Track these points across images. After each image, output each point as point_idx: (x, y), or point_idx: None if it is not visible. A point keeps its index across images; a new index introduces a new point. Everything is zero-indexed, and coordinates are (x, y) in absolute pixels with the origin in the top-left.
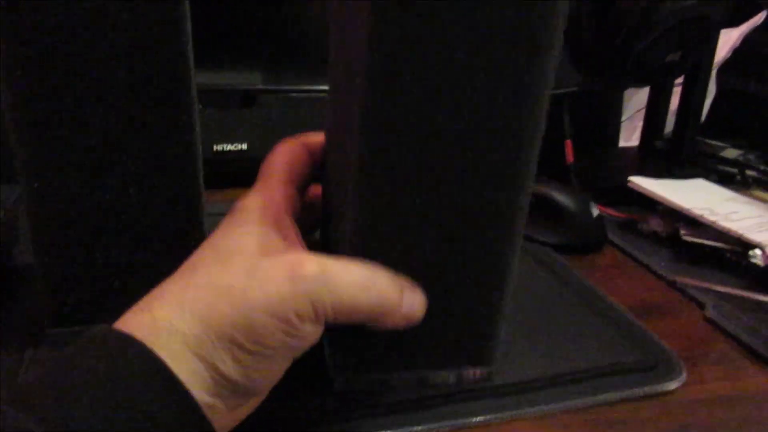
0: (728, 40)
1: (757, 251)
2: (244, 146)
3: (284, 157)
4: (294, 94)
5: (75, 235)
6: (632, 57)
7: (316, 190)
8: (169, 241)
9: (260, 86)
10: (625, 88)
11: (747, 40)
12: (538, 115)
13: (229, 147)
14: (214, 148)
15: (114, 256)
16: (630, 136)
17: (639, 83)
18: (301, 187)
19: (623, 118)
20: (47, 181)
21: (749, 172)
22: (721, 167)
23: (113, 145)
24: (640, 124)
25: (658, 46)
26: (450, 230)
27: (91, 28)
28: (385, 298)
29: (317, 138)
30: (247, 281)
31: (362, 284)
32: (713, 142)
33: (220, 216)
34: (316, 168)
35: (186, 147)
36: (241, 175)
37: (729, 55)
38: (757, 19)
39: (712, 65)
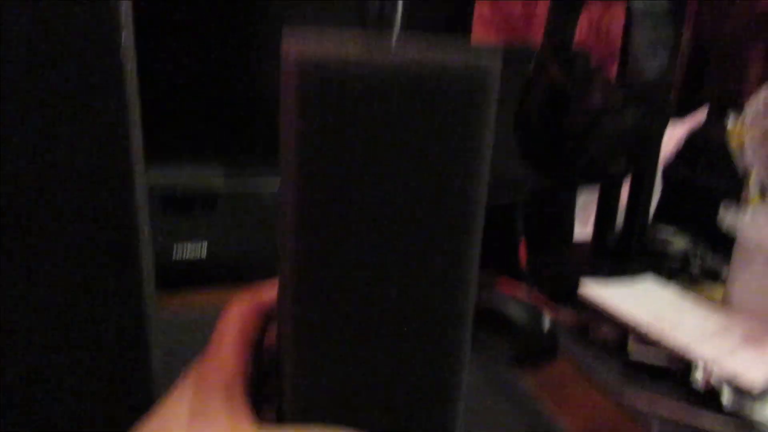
0: (673, 136)
1: (698, 375)
2: (205, 248)
3: (235, 322)
4: (256, 196)
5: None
6: (581, 163)
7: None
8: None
9: (222, 185)
10: (576, 189)
11: (693, 134)
12: (471, 254)
13: (190, 250)
14: (174, 251)
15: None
16: (586, 221)
17: (588, 185)
18: (254, 350)
19: (579, 201)
20: None
21: (695, 264)
22: (670, 258)
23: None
24: (593, 213)
25: (604, 155)
26: (395, 352)
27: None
28: None
29: (271, 291)
30: None
31: None
32: (663, 231)
33: (178, 327)
34: (271, 319)
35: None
36: (202, 277)
37: (673, 153)
38: (700, 116)
39: (656, 168)
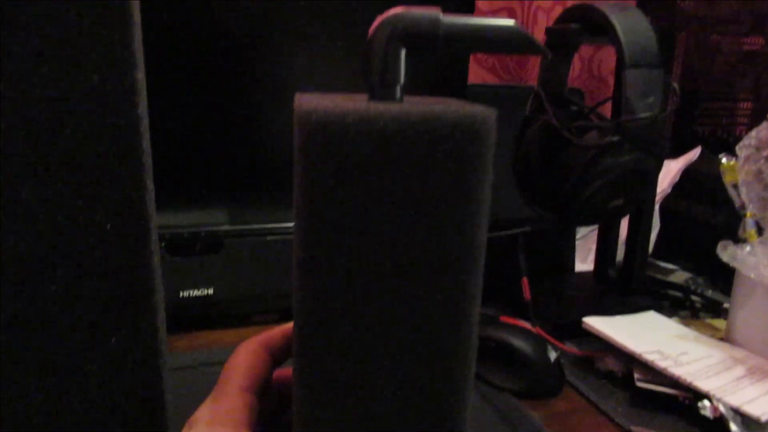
0: (668, 173)
1: (706, 402)
2: (211, 291)
3: (244, 362)
4: (261, 238)
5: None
6: (579, 203)
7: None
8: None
9: (227, 227)
10: (574, 227)
11: (688, 170)
12: (471, 318)
13: (196, 292)
14: (181, 294)
15: None
16: (586, 257)
17: (587, 224)
18: (262, 391)
19: (578, 236)
20: None
21: (696, 298)
22: (671, 293)
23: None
24: (594, 245)
25: (601, 194)
26: (399, 390)
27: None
28: None
29: (279, 333)
30: None
31: None
32: (663, 265)
33: (185, 369)
34: (279, 363)
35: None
36: (208, 318)
37: (669, 188)
38: (694, 154)
39: (653, 205)
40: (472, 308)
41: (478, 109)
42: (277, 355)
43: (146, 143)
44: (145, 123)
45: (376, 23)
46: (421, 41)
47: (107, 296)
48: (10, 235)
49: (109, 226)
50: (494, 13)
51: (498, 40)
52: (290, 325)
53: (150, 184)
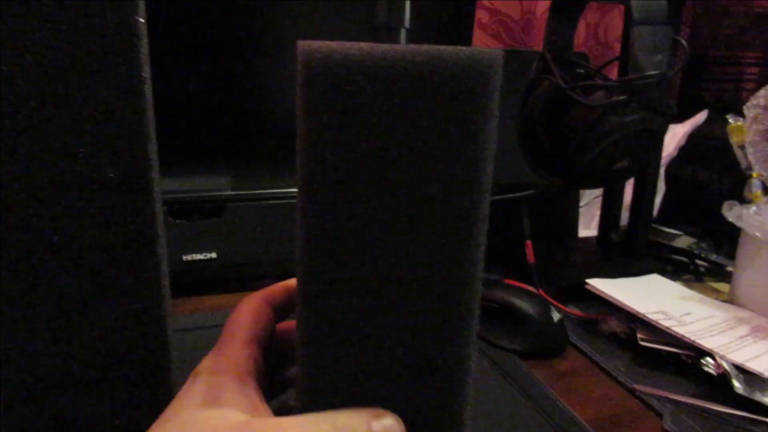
0: (674, 137)
1: (709, 359)
2: (214, 255)
3: (247, 315)
4: (263, 202)
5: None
6: (583, 165)
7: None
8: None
9: (229, 192)
10: (579, 189)
11: (694, 133)
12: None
13: (199, 256)
14: (184, 257)
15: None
16: (589, 223)
17: (591, 187)
18: (265, 344)
19: (582, 203)
20: None
21: (700, 262)
22: (675, 257)
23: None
24: (598, 212)
25: (606, 155)
26: (402, 342)
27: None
28: None
29: (282, 288)
30: None
31: None
32: (667, 230)
33: (189, 331)
34: (281, 317)
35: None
36: (211, 283)
37: (675, 152)
38: (701, 117)
39: (659, 168)
40: (476, 253)
41: (484, 50)
42: (280, 310)
43: (148, 90)
44: (146, 69)
45: None
46: None
47: (110, 244)
48: (12, 181)
49: (111, 173)
50: None
51: None
52: (292, 281)
53: (152, 134)
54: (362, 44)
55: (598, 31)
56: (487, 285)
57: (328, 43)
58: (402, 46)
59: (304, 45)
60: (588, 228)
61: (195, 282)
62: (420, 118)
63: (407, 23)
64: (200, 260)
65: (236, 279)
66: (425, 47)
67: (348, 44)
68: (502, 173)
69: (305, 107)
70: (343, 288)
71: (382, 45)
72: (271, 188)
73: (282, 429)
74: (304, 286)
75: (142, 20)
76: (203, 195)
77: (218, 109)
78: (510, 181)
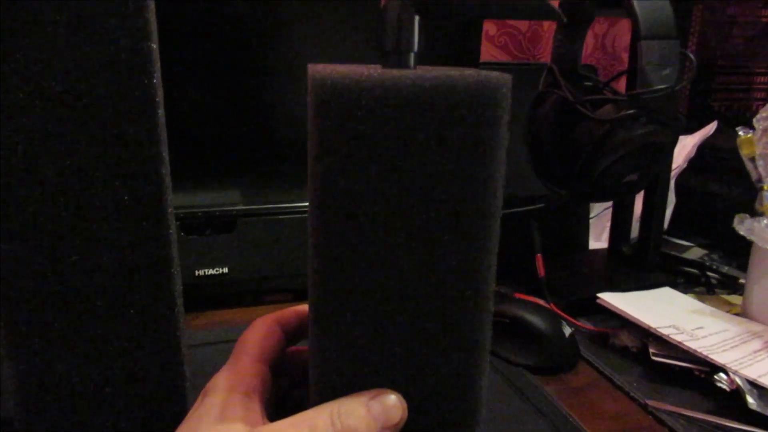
0: (684, 148)
1: (722, 375)
2: (226, 270)
3: (257, 335)
4: (274, 217)
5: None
6: (592, 179)
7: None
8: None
9: (241, 206)
10: (588, 203)
11: (703, 144)
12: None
13: (211, 271)
14: (196, 272)
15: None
16: (599, 235)
17: (601, 200)
18: (274, 363)
19: (592, 215)
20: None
21: (711, 274)
22: (686, 269)
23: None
24: (608, 223)
25: (615, 169)
26: (414, 357)
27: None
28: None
29: (293, 313)
30: None
31: None
32: (678, 241)
33: (202, 346)
34: (291, 341)
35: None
36: (223, 297)
37: (685, 164)
38: (710, 129)
39: (669, 181)
40: (488, 275)
41: (493, 75)
42: (290, 333)
43: (161, 114)
44: (160, 94)
45: None
46: (435, 6)
47: (126, 266)
48: (30, 206)
49: (126, 197)
50: None
51: (512, 4)
52: (303, 306)
53: (165, 156)
54: (372, 69)
55: (605, 42)
56: (498, 299)
57: (338, 68)
58: (411, 72)
59: (315, 71)
60: (599, 240)
61: (207, 297)
62: (430, 143)
63: (416, 47)
64: (212, 275)
65: (248, 293)
66: (434, 72)
67: (358, 69)
68: (511, 186)
69: (316, 133)
70: (354, 311)
71: (391, 71)
72: (283, 203)
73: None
74: (316, 308)
75: (154, 46)
76: (215, 210)
77: (231, 124)
78: (519, 193)
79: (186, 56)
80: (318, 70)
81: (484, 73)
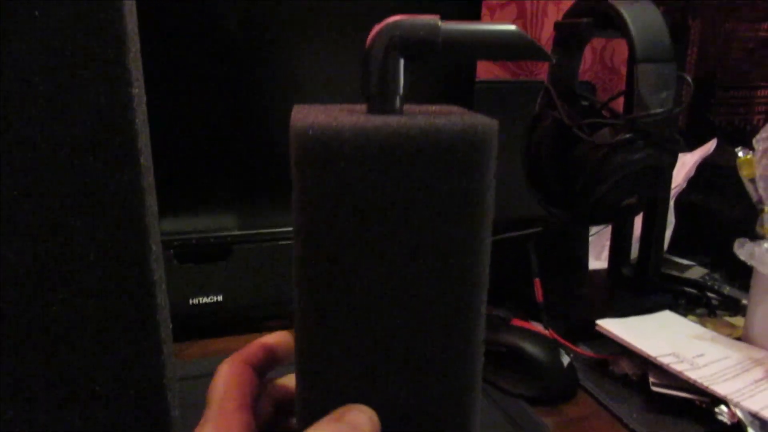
0: (683, 167)
1: (723, 407)
2: (220, 298)
3: (230, 383)
4: (270, 243)
5: None
6: (591, 202)
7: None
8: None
9: (236, 232)
10: (587, 226)
11: (704, 163)
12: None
13: (206, 299)
14: (190, 301)
15: None
16: (600, 254)
17: (600, 223)
18: (253, 408)
19: (591, 232)
20: None
21: (712, 295)
22: (687, 290)
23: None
24: (608, 242)
25: (614, 192)
26: (404, 394)
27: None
28: None
29: (258, 347)
30: None
31: None
32: (679, 260)
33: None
34: (263, 375)
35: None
36: (218, 325)
37: (684, 183)
38: (710, 146)
39: (668, 201)
40: (477, 323)
41: (479, 120)
42: (260, 369)
43: (145, 159)
44: (143, 138)
45: (373, 32)
46: (420, 49)
47: (109, 315)
48: (10, 254)
49: (108, 245)
50: (503, 7)
51: (499, 46)
52: (267, 337)
53: (150, 202)
54: (355, 116)
55: (604, 56)
56: (495, 327)
57: (320, 115)
58: (395, 119)
59: (296, 118)
60: (599, 259)
61: (202, 325)
62: (415, 192)
63: (401, 89)
64: (207, 303)
65: (243, 321)
66: (419, 117)
67: (340, 117)
68: (509, 208)
69: (298, 183)
70: (340, 356)
71: (375, 118)
72: (278, 228)
73: None
74: (300, 351)
75: (135, 91)
76: (209, 237)
77: (226, 148)
78: (517, 216)
79: (180, 81)
80: (299, 117)
81: (469, 117)
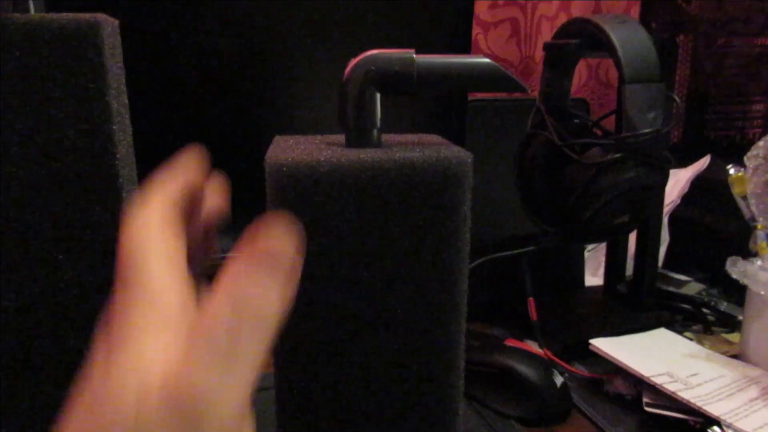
0: (677, 183)
1: (716, 429)
2: None
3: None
4: None
5: None
6: (582, 221)
7: None
8: None
9: (231, 255)
10: (580, 244)
11: (697, 178)
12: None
13: None
14: None
15: None
16: (596, 270)
17: (593, 242)
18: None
19: (587, 249)
20: None
21: (708, 311)
22: (683, 305)
23: None
24: (604, 258)
25: (605, 211)
26: (385, 415)
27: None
28: None
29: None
30: None
31: None
32: (675, 276)
33: None
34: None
35: None
36: None
37: (678, 199)
38: (704, 162)
39: (661, 219)
40: (456, 354)
41: (453, 153)
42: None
43: (125, 195)
44: (125, 172)
45: (349, 66)
46: (396, 83)
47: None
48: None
49: (91, 278)
50: (496, 24)
51: (474, 79)
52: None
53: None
54: (332, 150)
55: (599, 72)
56: (488, 346)
57: (297, 150)
58: (371, 153)
59: (272, 155)
60: (595, 275)
61: None
62: (390, 225)
63: (378, 122)
64: None
65: None
66: (395, 150)
67: (316, 153)
68: (503, 226)
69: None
70: (318, 390)
71: (351, 152)
72: None
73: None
74: (281, 392)
75: (115, 127)
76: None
77: (222, 170)
78: (511, 234)
79: (177, 95)
80: (276, 152)
81: (444, 150)
